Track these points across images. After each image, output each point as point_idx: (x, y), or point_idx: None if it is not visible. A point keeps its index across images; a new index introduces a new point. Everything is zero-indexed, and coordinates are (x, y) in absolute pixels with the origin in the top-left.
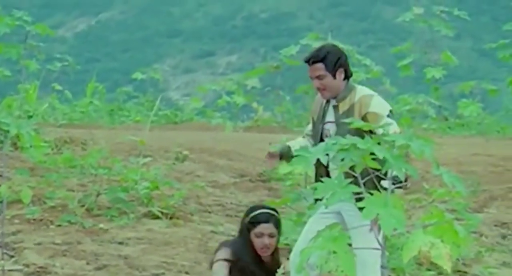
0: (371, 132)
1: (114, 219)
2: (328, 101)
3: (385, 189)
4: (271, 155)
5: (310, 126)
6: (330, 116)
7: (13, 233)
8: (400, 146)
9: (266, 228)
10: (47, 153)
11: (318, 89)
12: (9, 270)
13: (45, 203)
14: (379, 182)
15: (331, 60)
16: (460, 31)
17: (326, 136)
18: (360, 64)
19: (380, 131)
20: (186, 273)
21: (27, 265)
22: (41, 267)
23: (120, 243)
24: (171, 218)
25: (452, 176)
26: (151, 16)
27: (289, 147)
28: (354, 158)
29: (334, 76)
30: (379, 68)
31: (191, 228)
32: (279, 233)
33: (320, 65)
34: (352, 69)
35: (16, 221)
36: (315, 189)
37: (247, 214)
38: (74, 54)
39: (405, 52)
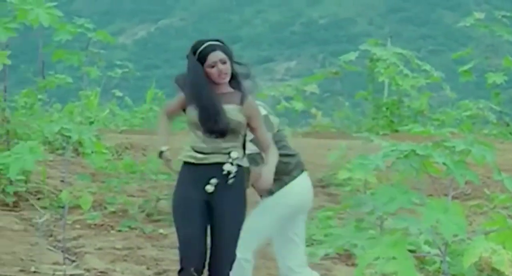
0: None
1: None
2: None
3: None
4: None
5: None
6: None
7: (74, 238)
8: (461, 151)
9: (216, 55)
10: (108, 159)
11: None
12: (71, 275)
13: (105, 208)
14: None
15: None
16: None
17: None
18: (420, 69)
19: None
20: None
21: (88, 270)
22: (101, 272)
23: None
24: None
25: None
26: (210, 23)
27: None
28: (414, 164)
29: None
30: (439, 74)
31: None
32: (230, 59)
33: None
34: (411, 74)
35: (77, 226)
36: (374, 194)
37: (193, 52)
38: (134, 61)
39: (466, 57)
